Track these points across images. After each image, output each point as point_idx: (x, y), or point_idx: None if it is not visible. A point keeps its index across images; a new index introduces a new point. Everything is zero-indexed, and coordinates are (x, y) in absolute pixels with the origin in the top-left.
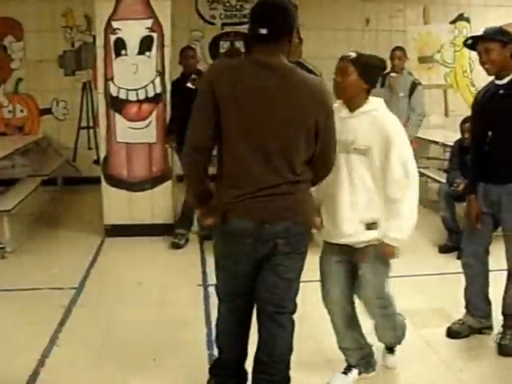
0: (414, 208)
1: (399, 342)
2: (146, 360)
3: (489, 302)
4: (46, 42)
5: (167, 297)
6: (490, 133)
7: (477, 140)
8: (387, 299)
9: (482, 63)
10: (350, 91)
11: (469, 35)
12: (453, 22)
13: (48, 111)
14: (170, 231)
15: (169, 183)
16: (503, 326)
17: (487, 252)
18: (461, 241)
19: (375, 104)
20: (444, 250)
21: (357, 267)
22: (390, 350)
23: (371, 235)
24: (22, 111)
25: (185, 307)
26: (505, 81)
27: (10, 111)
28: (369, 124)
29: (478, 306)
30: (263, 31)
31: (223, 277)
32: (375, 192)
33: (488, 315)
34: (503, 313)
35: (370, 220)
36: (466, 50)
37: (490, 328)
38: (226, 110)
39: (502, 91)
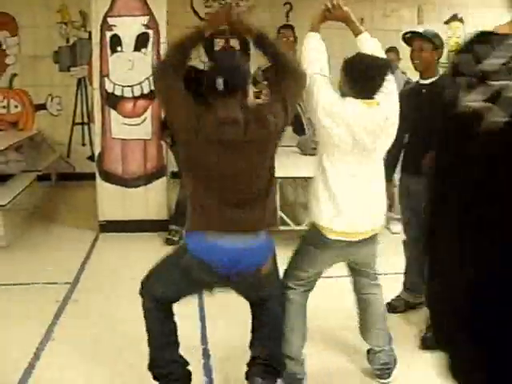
0: None
1: None
2: (140, 354)
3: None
4: (40, 38)
5: None
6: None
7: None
8: None
9: (412, 58)
10: None
11: (464, 36)
12: (447, 23)
13: (42, 107)
14: (165, 227)
15: (163, 179)
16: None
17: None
18: None
19: None
20: None
21: None
22: None
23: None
24: (16, 107)
25: (178, 302)
26: (427, 82)
27: (4, 107)
28: None
29: (414, 283)
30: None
31: None
32: None
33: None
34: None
35: None
36: None
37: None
38: None
39: (424, 90)
